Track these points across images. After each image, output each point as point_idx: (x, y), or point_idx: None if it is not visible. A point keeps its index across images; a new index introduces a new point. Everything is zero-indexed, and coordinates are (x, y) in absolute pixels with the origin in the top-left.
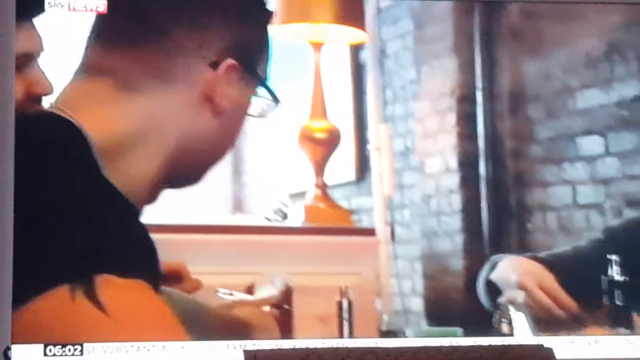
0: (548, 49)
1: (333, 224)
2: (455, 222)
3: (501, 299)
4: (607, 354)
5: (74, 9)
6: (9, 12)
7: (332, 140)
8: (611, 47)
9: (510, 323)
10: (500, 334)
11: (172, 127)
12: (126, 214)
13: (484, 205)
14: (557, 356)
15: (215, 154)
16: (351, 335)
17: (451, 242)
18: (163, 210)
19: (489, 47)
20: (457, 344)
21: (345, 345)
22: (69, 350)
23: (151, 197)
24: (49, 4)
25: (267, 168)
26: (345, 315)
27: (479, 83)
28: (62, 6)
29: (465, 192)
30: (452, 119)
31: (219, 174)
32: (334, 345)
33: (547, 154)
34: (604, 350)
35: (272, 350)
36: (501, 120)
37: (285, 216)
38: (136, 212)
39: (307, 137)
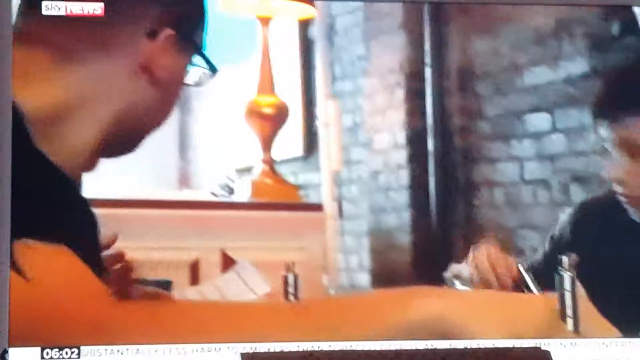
0: (497, 26)
1: (280, 199)
2: (403, 197)
3: (446, 274)
4: (608, 357)
5: (71, 12)
6: (6, 21)
7: (280, 116)
8: (559, 24)
9: None
10: None
11: (109, 97)
12: (56, 182)
13: (431, 181)
14: (554, 359)
15: (152, 123)
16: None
17: (399, 218)
18: (107, 184)
19: (438, 24)
20: (452, 347)
21: (341, 349)
22: (66, 353)
23: (88, 165)
24: (46, 7)
25: (214, 143)
26: (291, 289)
27: (427, 59)
28: (58, 9)
29: (413, 168)
30: (400, 95)
31: (165, 149)
32: (331, 348)
33: (495, 131)
34: (604, 353)
35: (269, 352)
36: (449, 97)
37: (231, 191)
38: (69, 181)
39: (254, 113)
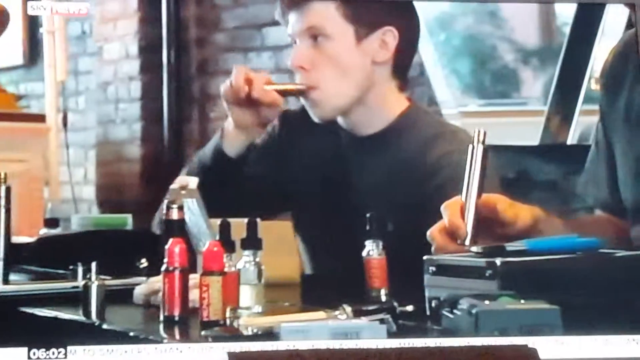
0: None
1: None
2: (134, 109)
3: (172, 185)
4: (595, 354)
5: (57, 12)
6: None
7: None
8: None
9: (180, 208)
10: (168, 220)
11: None
12: None
13: (165, 93)
14: (541, 356)
15: None
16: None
17: (129, 130)
18: None
19: None
20: (439, 345)
21: (328, 347)
22: (53, 353)
23: None
24: (31, 7)
25: None
26: (3, 202)
27: None
28: (44, 9)
29: (145, 79)
30: (134, 3)
31: None
32: (317, 347)
33: (232, 43)
34: (591, 350)
35: (255, 352)
36: (186, 6)
37: None
38: None
39: None
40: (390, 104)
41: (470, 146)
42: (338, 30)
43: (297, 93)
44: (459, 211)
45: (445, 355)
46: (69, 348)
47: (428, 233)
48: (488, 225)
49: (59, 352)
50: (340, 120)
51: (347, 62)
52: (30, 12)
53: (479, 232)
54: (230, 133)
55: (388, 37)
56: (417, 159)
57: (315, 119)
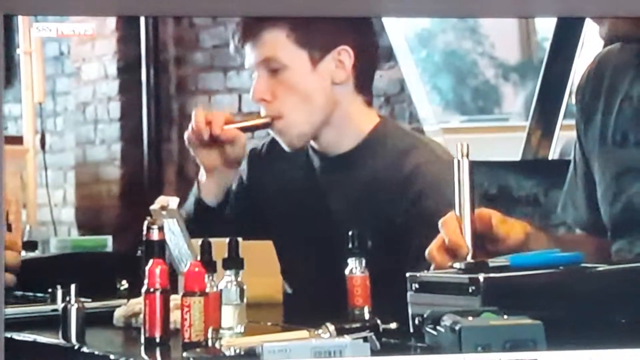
0: None
1: None
2: (113, 130)
3: (153, 205)
4: None
5: (63, 34)
6: None
7: None
8: None
9: (160, 229)
10: (148, 240)
11: None
12: None
13: (144, 112)
14: None
15: None
16: None
17: (108, 151)
18: None
19: None
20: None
21: None
22: None
23: None
24: (37, 28)
25: None
26: None
27: None
28: (50, 31)
29: (124, 99)
30: (112, 23)
31: None
32: None
33: (211, 62)
34: None
35: None
36: (164, 26)
37: None
38: None
39: None
40: (358, 121)
41: (456, 161)
42: (292, 58)
43: (262, 126)
44: (457, 228)
45: None
46: None
47: (426, 252)
48: (480, 240)
49: None
50: (312, 143)
51: (307, 88)
52: (36, 34)
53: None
54: (205, 183)
55: (343, 56)
56: (392, 173)
57: (286, 148)
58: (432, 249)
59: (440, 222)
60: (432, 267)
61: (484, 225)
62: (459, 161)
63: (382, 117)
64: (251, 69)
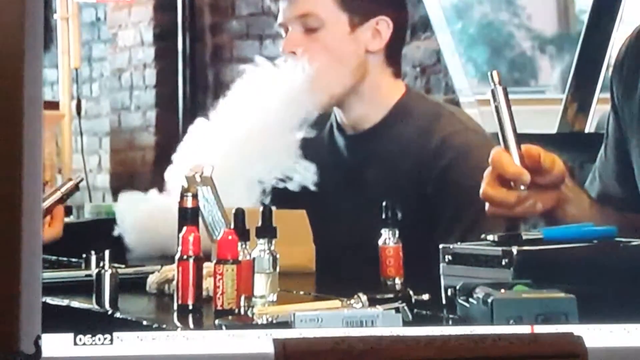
0: None
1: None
2: (148, 97)
3: (186, 172)
4: (613, 343)
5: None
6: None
7: None
8: None
9: (194, 196)
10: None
11: None
12: None
13: (180, 80)
14: (588, 344)
15: None
16: None
17: (143, 117)
18: None
19: None
20: (482, 333)
21: (373, 334)
22: (99, 339)
23: None
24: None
25: None
26: None
27: None
28: None
29: (160, 66)
30: None
31: None
32: (364, 334)
33: (247, 30)
34: (608, 339)
35: (301, 339)
36: None
37: None
38: None
39: None
40: (386, 92)
41: (490, 90)
42: (332, 18)
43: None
44: (511, 159)
45: (493, 343)
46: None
47: (481, 194)
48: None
49: (104, 338)
50: (340, 117)
51: (341, 51)
52: None
53: None
54: None
55: (382, 26)
56: (420, 144)
57: (314, 111)
58: (487, 189)
59: (491, 159)
60: (487, 208)
61: (532, 158)
62: (493, 90)
63: (408, 87)
64: (285, 23)
